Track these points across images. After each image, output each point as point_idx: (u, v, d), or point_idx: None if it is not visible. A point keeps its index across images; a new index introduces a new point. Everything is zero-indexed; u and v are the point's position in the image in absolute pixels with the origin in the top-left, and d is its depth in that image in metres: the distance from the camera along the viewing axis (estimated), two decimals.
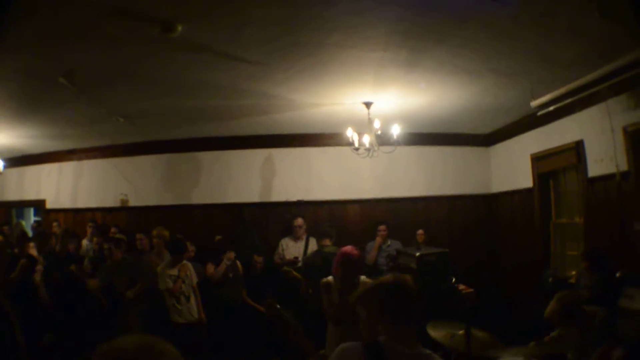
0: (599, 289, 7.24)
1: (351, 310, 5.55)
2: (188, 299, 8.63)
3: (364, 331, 3.31)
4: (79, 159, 12.74)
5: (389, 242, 11.00)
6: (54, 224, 12.04)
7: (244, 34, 5.71)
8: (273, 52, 6.30)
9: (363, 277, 6.26)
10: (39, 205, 13.46)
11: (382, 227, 11.06)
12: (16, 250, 9.22)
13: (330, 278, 6.30)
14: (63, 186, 12.91)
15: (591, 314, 5.44)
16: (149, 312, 8.73)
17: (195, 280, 8.85)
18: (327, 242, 8.94)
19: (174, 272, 8.55)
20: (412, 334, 3.15)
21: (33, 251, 9.66)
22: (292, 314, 7.89)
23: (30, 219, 15.75)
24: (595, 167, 8.28)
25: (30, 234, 12.23)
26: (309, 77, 7.32)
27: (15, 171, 13.35)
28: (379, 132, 8.65)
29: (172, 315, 8.54)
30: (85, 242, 11.30)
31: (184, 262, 8.81)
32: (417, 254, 8.86)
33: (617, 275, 6.72)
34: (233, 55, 6.37)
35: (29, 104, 8.40)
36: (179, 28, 5.38)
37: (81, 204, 12.71)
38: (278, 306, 6.66)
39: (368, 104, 8.66)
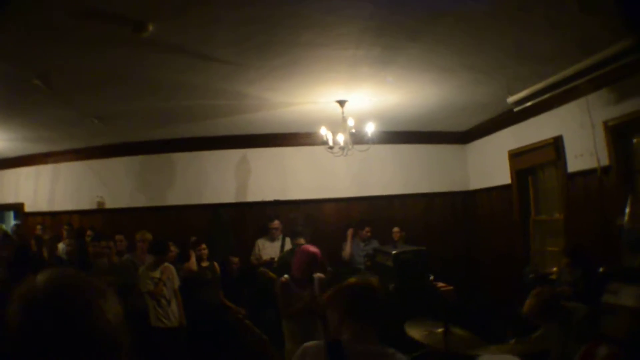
0: (581, 285, 7.20)
1: (318, 308, 5.58)
2: (169, 302, 8.44)
3: (329, 331, 3.38)
4: (56, 161, 12.57)
5: (365, 242, 10.95)
6: (38, 226, 11.82)
7: (216, 33, 5.64)
8: (245, 51, 6.21)
9: (319, 274, 6.41)
10: (17, 208, 13.30)
11: (367, 229, 11.06)
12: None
13: (286, 277, 6.31)
14: (40, 189, 12.75)
15: (572, 310, 5.37)
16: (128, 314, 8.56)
17: (177, 283, 8.69)
18: (302, 240, 8.86)
19: (156, 274, 8.36)
20: (374, 333, 3.20)
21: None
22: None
23: (11, 222, 15.57)
24: (575, 162, 8.26)
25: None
26: (282, 75, 7.23)
27: None
28: (353, 130, 8.63)
29: (153, 318, 8.33)
30: (61, 245, 11.08)
31: (166, 264, 8.63)
32: (394, 252, 8.82)
33: (600, 270, 6.66)
34: (206, 55, 6.29)
35: (4, 107, 8.27)
36: (151, 28, 5.30)
37: (58, 206, 12.55)
38: (240, 316, 6.66)
39: (342, 103, 8.59)
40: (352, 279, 3.43)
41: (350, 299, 3.28)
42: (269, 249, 10.69)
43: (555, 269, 8.80)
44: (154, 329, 8.26)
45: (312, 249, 6.32)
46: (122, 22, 5.16)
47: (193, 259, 9.20)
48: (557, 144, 8.63)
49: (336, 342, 3.11)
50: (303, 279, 6.22)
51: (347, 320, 3.21)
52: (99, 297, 1.67)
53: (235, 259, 10.11)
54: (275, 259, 10.16)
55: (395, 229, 11.08)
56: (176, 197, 11.89)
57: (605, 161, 7.53)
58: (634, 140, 7.33)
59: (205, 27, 5.48)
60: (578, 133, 8.07)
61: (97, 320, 1.62)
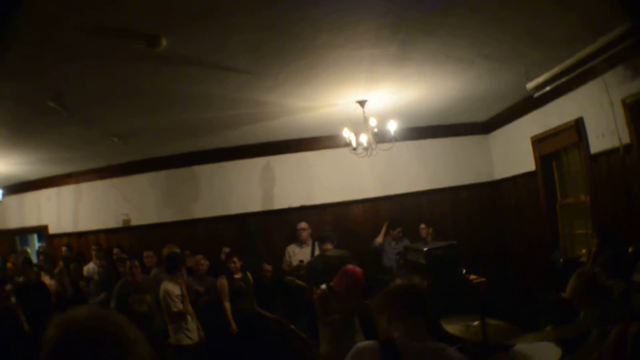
0: (613, 265, 7.18)
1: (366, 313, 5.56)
2: (192, 318, 8.52)
3: (380, 332, 3.37)
4: (77, 182, 12.62)
5: (397, 241, 10.97)
6: (63, 248, 11.96)
7: (228, 42, 5.64)
8: (260, 59, 6.24)
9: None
10: (41, 230, 13.34)
11: (398, 230, 11.09)
12: (21, 278, 9.16)
13: (324, 287, 6.27)
14: (63, 210, 12.80)
15: (609, 287, 5.37)
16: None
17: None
18: (329, 245, 8.86)
19: (178, 291, 8.39)
20: (424, 329, 3.25)
21: (45, 278, 9.63)
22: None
23: (35, 245, 15.65)
24: (597, 143, 8.20)
25: (35, 260, 12.25)
26: (299, 80, 7.25)
27: (14, 198, 13.30)
28: (376, 130, 8.63)
29: (179, 336, 8.32)
30: (91, 265, 11.19)
31: (182, 280, 8.68)
32: (425, 249, 8.83)
33: (630, 250, 6.65)
34: (220, 65, 6.30)
35: (22, 129, 8.29)
36: (164, 42, 5.31)
37: (83, 227, 12.59)
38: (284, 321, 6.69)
39: (362, 103, 8.56)
40: (397, 281, 3.49)
41: (398, 299, 3.34)
42: (299, 255, 10.73)
43: (584, 251, 8.77)
44: (178, 347, 8.29)
45: (358, 271, 6.19)
46: (136, 37, 5.19)
47: (224, 281, 9.19)
48: (578, 125, 8.56)
49: (389, 340, 3.14)
50: (345, 297, 6.08)
51: (395, 320, 3.27)
52: (129, 334, 1.72)
53: (269, 267, 10.13)
54: (304, 263, 10.22)
55: (422, 226, 11.11)
56: (203, 209, 11.92)
57: (626, 139, 7.46)
58: None
59: (218, 37, 5.49)
60: (598, 113, 8.00)
61: (128, 354, 1.67)
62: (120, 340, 1.67)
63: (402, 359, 3.03)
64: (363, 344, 3.24)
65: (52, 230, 12.98)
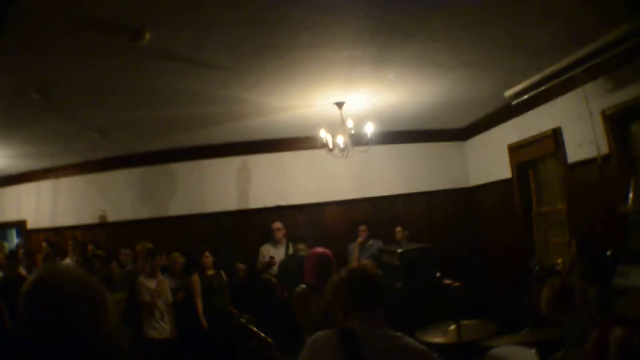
0: (590, 273, 7.23)
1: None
2: (162, 315, 8.65)
3: (336, 322, 3.30)
4: (56, 176, 12.50)
5: (370, 242, 10.93)
6: (43, 243, 11.78)
7: (210, 38, 5.63)
8: (241, 56, 6.20)
9: None
10: (20, 226, 13.22)
11: (362, 228, 11.00)
12: (1, 273, 9.09)
13: (303, 286, 5.94)
14: (42, 205, 12.69)
15: (583, 290, 5.39)
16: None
17: (169, 298, 8.88)
18: (302, 246, 8.83)
19: (152, 285, 8.60)
20: (381, 318, 3.19)
21: (23, 273, 9.61)
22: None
23: (13, 240, 15.49)
24: (575, 152, 8.27)
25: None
26: (279, 79, 7.23)
27: None
28: (353, 131, 8.64)
29: (147, 330, 8.56)
30: (67, 260, 10.98)
31: (161, 278, 8.83)
32: (399, 250, 8.82)
33: (608, 253, 6.68)
34: (202, 61, 6.27)
35: (3, 123, 8.25)
36: (147, 36, 5.28)
37: (61, 222, 12.47)
38: (244, 320, 6.59)
39: (340, 104, 8.56)
40: (345, 268, 3.44)
41: (349, 288, 3.27)
42: (274, 255, 10.60)
43: (560, 260, 8.82)
44: (148, 340, 8.47)
45: (321, 250, 5.96)
46: (119, 31, 5.15)
47: (196, 278, 9.20)
48: (556, 135, 8.61)
49: (347, 329, 3.10)
50: (319, 286, 5.53)
51: (352, 311, 3.21)
52: (101, 297, 1.75)
53: (242, 266, 10.14)
54: (275, 259, 10.24)
55: (398, 229, 11.02)
56: (179, 207, 11.85)
57: (605, 149, 7.52)
58: (633, 128, 7.32)
59: (200, 33, 5.47)
60: (577, 123, 8.06)
61: (100, 319, 1.73)
62: (93, 297, 1.75)
63: (361, 347, 2.99)
64: (320, 333, 3.18)
65: (30, 225, 12.86)
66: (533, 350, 5.36)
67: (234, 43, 5.79)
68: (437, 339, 4.94)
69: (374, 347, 3.01)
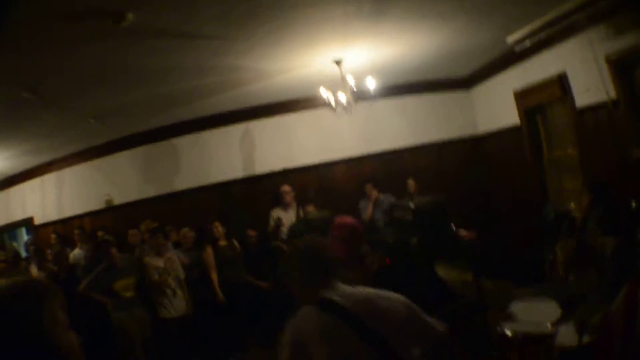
0: (607, 221, 7.09)
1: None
2: (174, 292, 8.59)
3: (303, 298, 3.21)
4: (59, 168, 12.46)
5: (381, 197, 10.78)
6: (52, 236, 11.68)
7: (197, 9, 5.48)
8: (231, 24, 6.05)
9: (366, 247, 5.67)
10: (27, 223, 13.21)
11: (368, 186, 10.88)
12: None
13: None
14: (48, 199, 12.66)
15: (600, 247, 5.24)
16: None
17: (181, 274, 8.79)
18: (311, 208, 8.71)
19: (160, 263, 8.53)
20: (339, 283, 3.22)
21: (33, 270, 9.61)
22: None
23: (24, 238, 15.49)
24: (583, 97, 8.16)
25: (23, 253, 12.13)
26: (273, 42, 7.04)
27: (0, 195, 13.26)
28: (354, 88, 8.44)
29: (160, 309, 8.52)
30: (76, 250, 10.93)
31: (169, 254, 8.78)
32: (412, 204, 8.69)
33: (633, 205, 6.51)
34: (191, 34, 6.13)
35: (0, 125, 8.24)
36: (130, 17, 5.17)
37: (68, 212, 12.43)
38: None
39: (339, 62, 8.39)
40: (293, 243, 3.61)
41: (303, 264, 3.26)
42: (284, 219, 10.47)
43: (573, 204, 8.72)
44: (161, 319, 8.45)
45: (349, 220, 5.23)
46: (100, 16, 5.06)
47: (209, 250, 9.15)
48: (561, 80, 8.50)
49: (322, 298, 3.07)
50: (352, 258, 4.98)
51: (313, 280, 3.20)
52: (44, 303, 1.81)
53: (253, 232, 10.06)
54: (282, 221, 10.19)
55: (410, 181, 10.95)
56: (184, 181, 11.76)
57: (613, 95, 7.43)
58: (638, 74, 7.22)
59: (185, 5, 5.33)
60: (582, 68, 7.97)
61: (36, 323, 1.75)
62: (42, 307, 1.78)
63: (360, 317, 2.97)
64: (300, 312, 3.10)
65: (37, 221, 12.84)
66: (555, 303, 5.25)
67: (222, 11, 5.63)
68: (455, 286, 4.80)
69: (367, 312, 3.00)
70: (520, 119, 10.29)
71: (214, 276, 8.97)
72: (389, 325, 2.99)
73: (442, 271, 4.94)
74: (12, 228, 14.31)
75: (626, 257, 5.19)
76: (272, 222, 10.51)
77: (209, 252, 9.11)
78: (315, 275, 3.20)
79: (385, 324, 2.98)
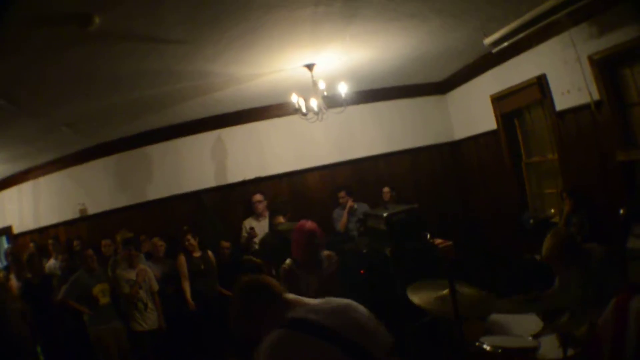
0: (587, 226, 7.02)
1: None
2: (146, 306, 8.55)
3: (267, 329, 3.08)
4: (35, 177, 12.42)
5: (355, 206, 10.73)
6: (31, 244, 11.70)
7: (162, 13, 5.32)
8: (198, 27, 5.92)
9: (326, 252, 5.95)
10: (6, 232, 13.16)
11: (341, 194, 10.90)
12: None
13: (288, 262, 5.84)
14: (25, 208, 12.64)
15: (588, 251, 5.10)
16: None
17: (155, 286, 8.74)
18: (281, 219, 8.63)
19: (132, 276, 8.46)
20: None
21: (13, 281, 9.56)
22: None
23: (4, 246, 15.37)
24: (563, 100, 8.13)
25: (3, 262, 12.29)
26: (242, 46, 6.88)
27: None
28: (326, 93, 8.35)
29: (131, 322, 8.46)
30: (51, 261, 10.92)
31: (142, 266, 8.70)
32: (385, 214, 8.62)
33: (621, 212, 6.40)
34: (158, 38, 5.98)
35: None
36: (97, 20, 5.04)
37: (44, 222, 12.37)
38: None
39: (310, 66, 8.28)
40: (240, 281, 3.42)
41: (253, 299, 3.25)
42: (256, 229, 10.37)
43: (553, 210, 8.64)
44: (134, 332, 8.40)
45: (309, 225, 5.80)
46: (66, 20, 4.92)
47: (182, 259, 9.02)
48: (540, 82, 8.47)
49: (290, 320, 3.03)
50: (308, 262, 5.70)
51: (267, 315, 3.15)
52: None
53: (226, 244, 9.90)
54: (255, 230, 10.12)
55: (385, 189, 10.91)
56: (157, 190, 11.62)
57: (595, 96, 7.37)
58: (623, 73, 7.14)
59: (151, 10, 5.19)
60: (563, 69, 7.91)
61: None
62: None
63: (334, 330, 2.96)
64: (274, 339, 2.96)
65: (16, 229, 12.79)
66: (535, 315, 5.12)
67: (188, 15, 5.51)
68: (428, 304, 4.61)
69: (342, 325, 3.00)
70: (497, 124, 10.26)
71: (186, 286, 8.89)
72: (364, 336, 2.98)
73: (415, 295, 4.75)
74: None
75: (614, 266, 5.05)
76: (244, 233, 10.44)
77: (181, 261, 9.01)
78: (269, 303, 3.18)
79: (361, 334, 2.98)
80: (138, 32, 5.70)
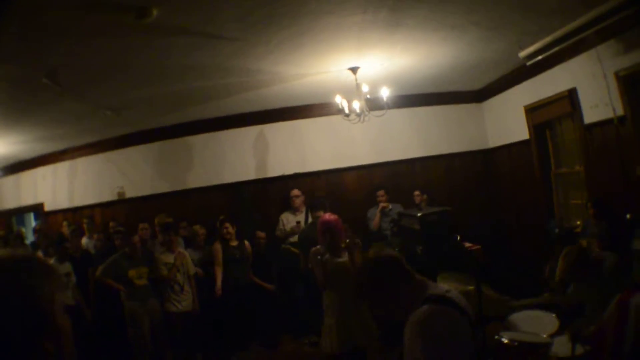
0: (608, 236, 7.18)
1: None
2: (182, 288, 8.76)
3: (403, 304, 3.24)
4: (72, 157, 12.56)
5: (390, 206, 10.91)
6: (64, 223, 11.87)
7: (219, 10, 5.56)
8: (252, 26, 6.14)
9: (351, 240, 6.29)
10: (37, 209, 13.32)
11: (380, 193, 11.02)
12: None
13: (318, 247, 6.36)
14: (59, 187, 12.77)
15: (601, 260, 5.36)
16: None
17: (192, 270, 8.98)
18: (321, 213, 8.86)
19: (170, 259, 8.70)
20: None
21: (40, 255, 9.61)
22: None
23: (32, 224, 15.62)
24: (591, 113, 8.22)
25: (29, 238, 12.51)
26: (291, 48, 7.15)
27: (11, 179, 13.41)
28: (368, 96, 8.57)
29: (167, 303, 8.70)
30: (84, 239, 11.12)
31: (180, 250, 8.98)
32: (419, 214, 8.80)
33: (627, 217, 6.63)
34: (211, 34, 6.21)
35: (17, 109, 8.27)
36: (154, 12, 5.23)
37: (78, 202, 12.55)
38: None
39: (354, 69, 8.47)
40: (369, 255, 3.69)
41: (386, 269, 3.33)
42: (292, 222, 10.67)
43: (579, 222, 8.79)
44: (167, 313, 8.65)
45: (328, 217, 6.43)
46: (125, 10, 5.11)
47: (218, 246, 9.20)
48: (571, 96, 8.57)
49: (438, 296, 3.16)
50: (330, 246, 6.26)
51: (411, 284, 3.28)
52: (42, 279, 1.77)
53: (262, 234, 10.19)
54: (302, 224, 10.31)
55: (416, 192, 11.07)
56: (196, 179, 11.89)
57: (620, 111, 7.49)
58: None
59: (208, 5, 5.41)
60: (591, 84, 8.02)
61: (36, 298, 1.72)
62: (33, 274, 1.75)
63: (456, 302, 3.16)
64: (431, 311, 3.09)
65: (47, 207, 12.98)
66: (553, 315, 5.37)
67: (243, 13, 5.71)
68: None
69: (463, 302, 3.22)
70: (530, 134, 10.34)
71: (219, 272, 9.03)
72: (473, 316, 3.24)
73: (443, 282, 5.06)
74: (21, 212, 14.53)
75: (623, 271, 5.31)
76: (280, 225, 10.74)
77: (217, 248, 9.14)
78: (405, 279, 3.30)
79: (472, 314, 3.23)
80: (193, 27, 5.91)
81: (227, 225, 9.31)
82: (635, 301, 3.76)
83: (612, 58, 7.45)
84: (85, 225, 11.50)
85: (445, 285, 3.34)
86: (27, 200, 13.23)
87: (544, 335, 4.99)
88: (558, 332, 5.06)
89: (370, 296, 3.43)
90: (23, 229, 13.63)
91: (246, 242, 9.56)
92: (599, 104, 7.91)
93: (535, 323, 5.37)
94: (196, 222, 10.23)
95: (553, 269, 6.48)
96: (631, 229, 6.40)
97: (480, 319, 4.83)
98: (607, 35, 7.27)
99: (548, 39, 7.22)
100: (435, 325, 2.97)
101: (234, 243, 9.32)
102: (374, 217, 10.92)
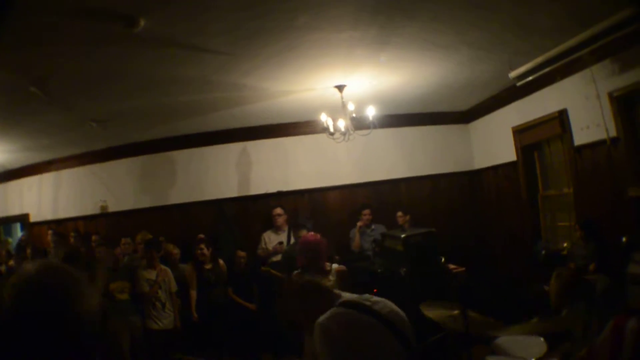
0: (596, 258, 7.12)
1: None
2: (163, 305, 8.65)
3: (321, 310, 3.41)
4: (58, 168, 12.46)
5: (372, 227, 10.83)
6: (50, 231, 11.86)
7: (207, 23, 5.51)
8: (239, 40, 6.08)
9: (335, 265, 6.21)
10: (23, 219, 13.21)
11: (365, 212, 10.91)
12: (2, 268, 9.07)
13: (296, 272, 6.14)
14: (44, 198, 12.67)
15: (593, 283, 5.28)
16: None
17: (174, 287, 8.84)
18: (304, 232, 8.72)
19: (152, 275, 8.60)
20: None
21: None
22: None
23: (18, 234, 15.52)
24: (582, 135, 8.21)
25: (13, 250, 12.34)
26: (277, 63, 7.09)
27: None
28: (354, 115, 8.50)
29: (147, 320, 8.58)
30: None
31: (163, 267, 8.84)
32: (403, 235, 8.72)
33: (623, 240, 6.56)
34: (199, 47, 6.16)
35: (3, 118, 8.22)
36: (142, 22, 5.18)
37: (63, 214, 12.44)
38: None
39: (340, 87, 8.44)
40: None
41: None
42: (275, 242, 10.53)
43: (566, 244, 8.74)
44: (148, 330, 8.51)
45: (308, 236, 6.19)
46: (113, 19, 5.04)
47: (191, 269, 9.15)
48: (562, 117, 8.54)
49: (347, 301, 3.46)
50: (310, 268, 5.93)
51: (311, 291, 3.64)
52: (80, 286, 1.74)
53: (243, 253, 9.97)
54: (284, 244, 10.16)
55: (399, 213, 10.93)
56: (179, 195, 11.77)
57: (612, 132, 7.46)
58: None
59: (196, 18, 5.34)
60: (583, 105, 7.99)
61: (78, 306, 1.68)
62: (70, 291, 1.70)
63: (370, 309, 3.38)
64: (329, 322, 3.29)
65: (32, 218, 12.84)
66: (541, 338, 5.29)
67: (231, 27, 5.66)
68: (440, 320, 4.82)
69: (385, 311, 3.40)
70: (517, 156, 10.32)
71: (194, 295, 8.97)
72: (407, 328, 3.39)
73: (428, 310, 4.95)
74: (7, 222, 14.41)
75: (616, 294, 5.23)
76: (262, 244, 10.60)
77: (190, 271, 9.10)
78: (322, 293, 3.61)
79: (404, 325, 3.39)
80: (180, 39, 5.84)
81: (202, 247, 9.20)
82: (631, 326, 3.65)
83: (607, 78, 7.42)
84: (72, 239, 11.37)
85: (378, 298, 3.50)
86: (14, 210, 13.11)
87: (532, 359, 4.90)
88: (546, 356, 5.01)
89: (293, 308, 3.74)
90: (10, 240, 13.53)
91: (220, 262, 9.45)
92: (590, 125, 7.90)
93: (523, 346, 5.31)
94: (176, 239, 10.13)
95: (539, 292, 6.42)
96: (627, 252, 6.33)
97: (467, 342, 4.73)
98: (601, 56, 7.24)
99: (539, 59, 7.20)
100: (332, 325, 3.23)
101: (208, 266, 9.21)
102: (354, 236, 10.79)
